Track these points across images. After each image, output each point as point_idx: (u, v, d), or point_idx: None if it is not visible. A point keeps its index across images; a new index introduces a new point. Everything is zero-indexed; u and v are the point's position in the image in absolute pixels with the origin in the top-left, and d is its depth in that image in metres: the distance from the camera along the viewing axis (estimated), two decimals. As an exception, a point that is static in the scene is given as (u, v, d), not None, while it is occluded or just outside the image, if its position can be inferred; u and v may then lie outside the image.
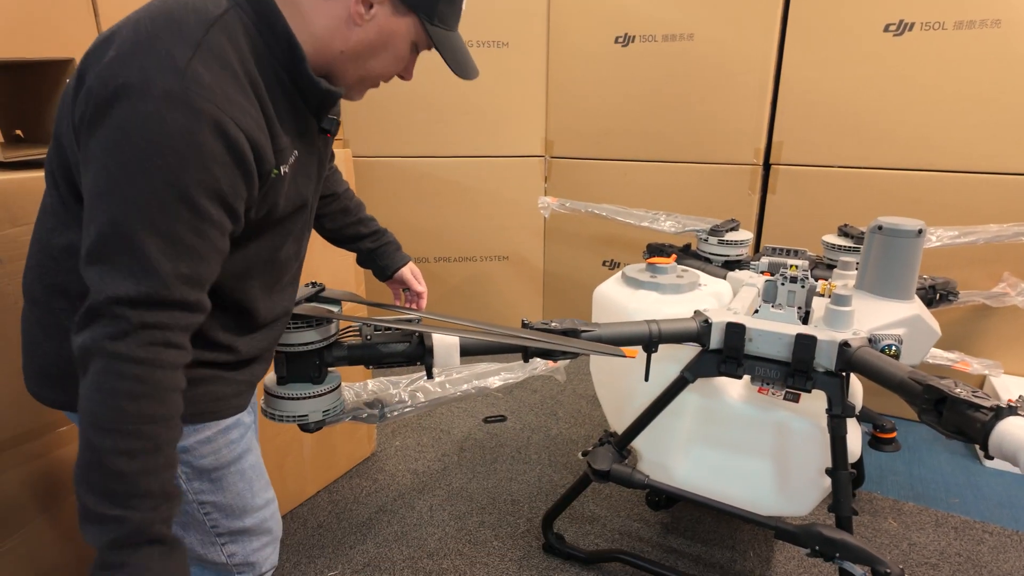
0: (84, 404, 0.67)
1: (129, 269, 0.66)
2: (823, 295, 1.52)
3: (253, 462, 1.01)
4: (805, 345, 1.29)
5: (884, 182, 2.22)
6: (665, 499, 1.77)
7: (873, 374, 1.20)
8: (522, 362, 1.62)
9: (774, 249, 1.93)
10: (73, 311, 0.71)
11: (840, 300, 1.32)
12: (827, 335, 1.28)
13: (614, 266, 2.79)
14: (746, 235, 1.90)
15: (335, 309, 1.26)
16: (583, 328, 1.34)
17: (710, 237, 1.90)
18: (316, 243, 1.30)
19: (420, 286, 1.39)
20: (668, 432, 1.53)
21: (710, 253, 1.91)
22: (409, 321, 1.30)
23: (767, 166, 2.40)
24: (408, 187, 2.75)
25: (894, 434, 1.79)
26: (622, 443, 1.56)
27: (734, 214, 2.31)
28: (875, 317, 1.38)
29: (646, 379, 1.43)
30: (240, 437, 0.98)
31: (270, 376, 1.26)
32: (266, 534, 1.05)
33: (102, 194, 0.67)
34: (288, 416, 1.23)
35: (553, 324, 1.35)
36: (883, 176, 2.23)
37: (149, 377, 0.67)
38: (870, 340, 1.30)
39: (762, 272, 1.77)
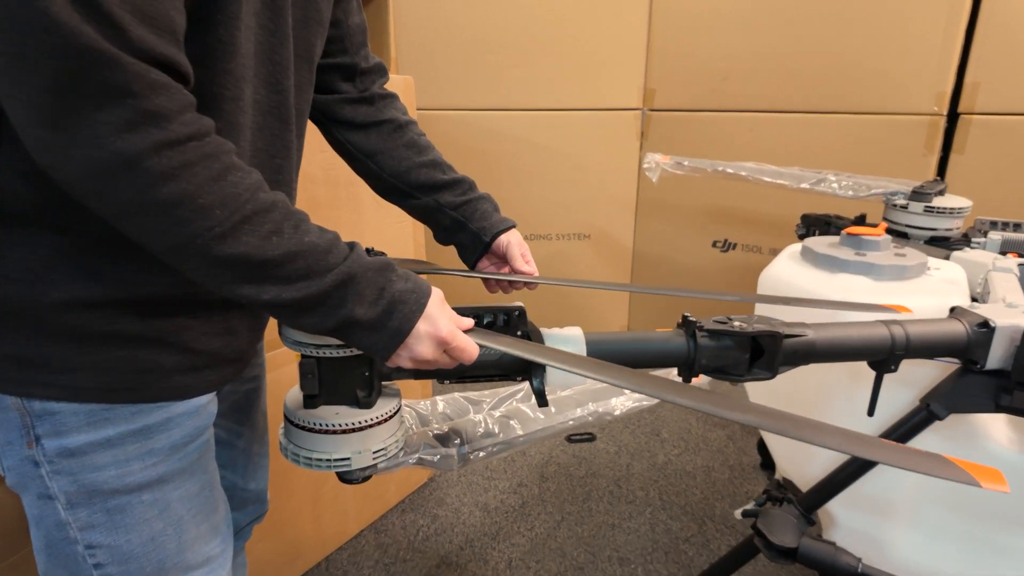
0: (150, 231, 0.48)
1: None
2: None
3: (193, 492, 0.66)
4: None
5: None
6: None
7: None
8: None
9: (994, 223, 1.37)
10: None
11: None
12: None
13: (729, 248, 2.24)
14: (963, 201, 1.35)
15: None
16: (789, 331, 0.83)
17: (911, 203, 1.35)
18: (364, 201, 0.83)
19: (528, 264, 0.90)
20: (884, 488, 1.01)
21: (908, 226, 1.36)
22: (508, 316, 0.82)
23: (953, 117, 1.81)
24: (471, 146, 2.26)
25: None
26: (811, 504, 1.04)
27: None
28: None
29: (870, 413, 0.91)
30: (173, 448, 0.63)
31: (294, 394, 0.80)
32: None
33: None
34: (320, 460, 0.77)
35: (737, 323, 0.84)
36: None
37: (208, 152, 0.47)
38: None
39: (1005, 255, 1.22)
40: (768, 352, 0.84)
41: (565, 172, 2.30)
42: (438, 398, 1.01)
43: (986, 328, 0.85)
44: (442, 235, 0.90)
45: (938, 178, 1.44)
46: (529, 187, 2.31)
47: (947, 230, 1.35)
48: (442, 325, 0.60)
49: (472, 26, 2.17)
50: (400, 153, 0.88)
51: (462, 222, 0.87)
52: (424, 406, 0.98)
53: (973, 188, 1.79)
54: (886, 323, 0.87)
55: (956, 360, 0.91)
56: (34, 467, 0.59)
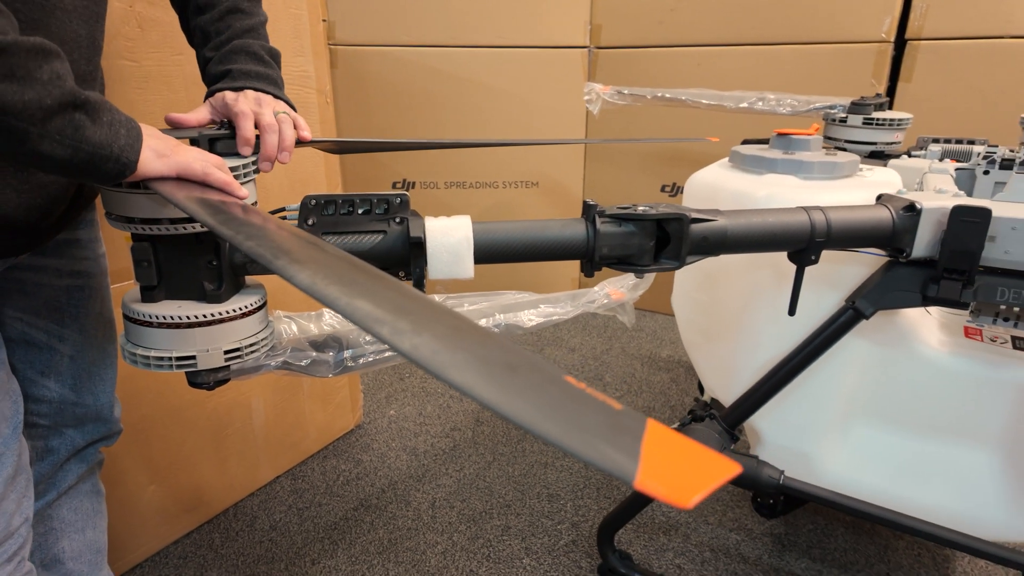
0: None
1: None
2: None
3: None
4: (1123, 242, 0.69)
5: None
6: (782, 503, 1.18)
7: None
8: (571, 293, 1.05)
9: (936, 140, 1.30)
10: None
11: None
12: None
13: (677, 192, 2.17)
14: (904, 114, 1.28)
15: (246, 160, 0.69)
16: (697, 215, 0.75)
17: (850, 116, 1.28)
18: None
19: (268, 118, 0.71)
20: (813, 402, 0.96)
21: (848, 140, 1.29)
22: (388, 205, 0.73)
23: (900, 44, 1.74)
24: (409, 87, 2.14)
25: None
26: (735, 419, 0.98)
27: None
28: None
29: (791, 311, 0.84)
30: None
31: (133, 289, 0.70)
32: None
33: None
34: (161, 359, 0.67)
35: (641, 208, 0.76)
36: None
37: None
38: None
39: (941, 161, 1.16)
40: (675, 239, 0.76)
41: (511, 116, 2.19)
42: (324, 310, 0.92)
43: (912, 211, 0.79)
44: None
45: (879, 94, 1.37)
46: (473, 132, 2.20)
47: (888, 144, 1.29)
48: (170, 141, 0.57)
49: (407, -44, 2.03)
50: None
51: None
52: (309, 315, 0.88)
53: (922, 117, 1.74)
54: (806, 209, 0.79)
55: (882, 252, 0.84)
56: None
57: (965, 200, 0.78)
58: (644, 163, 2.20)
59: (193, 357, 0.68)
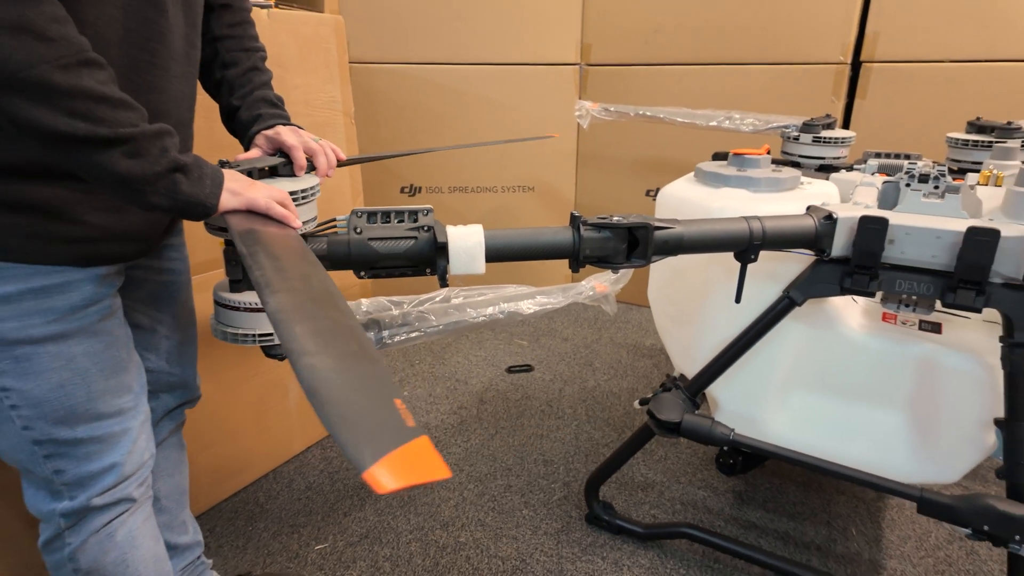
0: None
1: None
2: (984, 185, 1.13)
3: (97, 349, 0.76)
4: (981, 244, 0.91)
5: (1010, 76, 1.78)
6: (741, 462, 1.40)
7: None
8: (562, 286, 1.26)
9: (878, 154, 1.52)
10: None
11: (1033, 180, 0.93)
12: (1015, 230, 0.89)
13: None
14: (847, 132, 1.49)
15: (310, 183, 0.89)
16: (658, 224, 0.96)
17: (802, 135, 1.49)
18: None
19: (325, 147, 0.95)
20: (760, 374, 1.16)
21: (800, 156, 1.50)
22: (417, 215, 0.94)
23: (856, 65, 1.96)
24: (415, 101, 2.35)
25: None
26: (695, 388, 1.19)
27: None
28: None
29: (737, 299, 1.05)
30: (73, 308, 0.73)
31: (222, 281, 0.90)
32: (109, 453, 0.77)
33: None
34: (244, 334, 0.88)
35: (615, 218, 0.97)
36: (1008, 70, 1.78)
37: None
38: (1080, 237, 0.90)
39: (874, 175, 1.37)
40: (642, 242, 0.97)
41: (508, 126, 2.40)
42: (363, 300, 1.12)
43: (830, 220, 0.99)
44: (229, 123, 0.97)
45: (828, 115, 1.58)
46: (472, 140, 2.41)
47: (835, 159, 1.50)
48: (245, 181, 0.73)
49: (415, -19, 2.24)
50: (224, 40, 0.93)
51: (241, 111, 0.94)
52: (352, 304, 1.09)
53: (875, 130, 1.96)
54: (746, 218, 1.00)
55: (809, 252, 1.05)
56: None
57: (870, 211, 0.99)
58: (631, 170, 2.41)
59: (271, 334, 0.89)
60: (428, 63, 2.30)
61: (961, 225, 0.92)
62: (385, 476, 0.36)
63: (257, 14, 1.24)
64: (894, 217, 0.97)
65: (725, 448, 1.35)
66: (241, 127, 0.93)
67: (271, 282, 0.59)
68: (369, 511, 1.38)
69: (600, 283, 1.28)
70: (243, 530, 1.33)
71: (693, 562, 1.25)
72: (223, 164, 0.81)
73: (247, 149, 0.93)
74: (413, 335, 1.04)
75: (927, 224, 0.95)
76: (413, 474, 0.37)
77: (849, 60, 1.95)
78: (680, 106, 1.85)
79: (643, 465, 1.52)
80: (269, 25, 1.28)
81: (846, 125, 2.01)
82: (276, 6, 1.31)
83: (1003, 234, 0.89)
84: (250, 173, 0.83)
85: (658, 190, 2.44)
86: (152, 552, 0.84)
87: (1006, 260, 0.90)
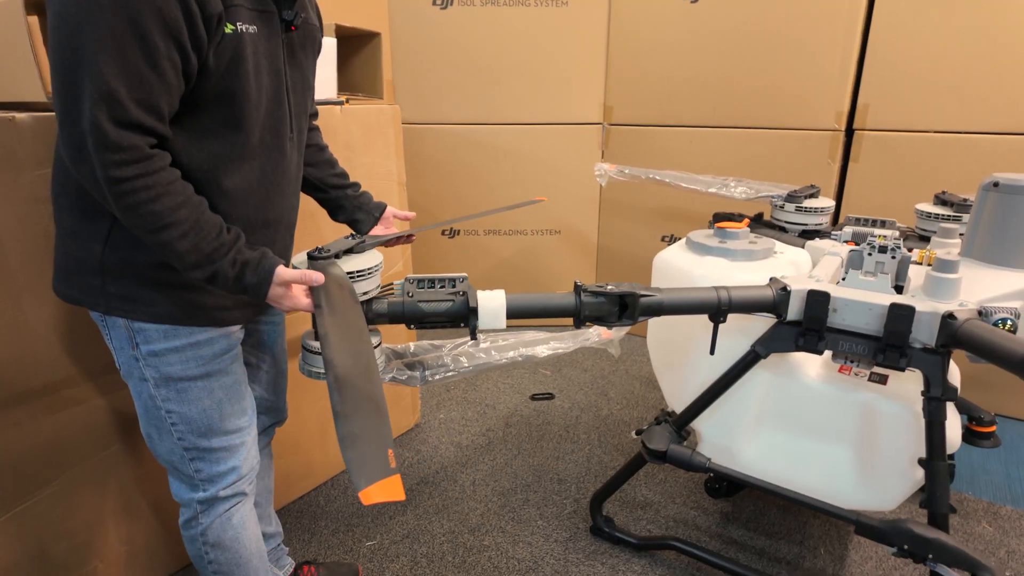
0: (128, 222, 0.83)
1: (90, 94, 0.74)
2: (920, 264, 1.34)
3: (228, 384, 1.04)
4: (901, 317, 1.13)
5: (986, 148, 1.98)
6: (726, 487, 1.62)
7: (984, 350, 1.03)
8: (573, 332, 1.52)
9: (857, 219, 1.74)
10: (71, 209, 0.91)
11: (944, 266, 1.15)
12: (928, 306, 1.12)
13: (674, 241, 2.62)
14: (827, 202, 1.72)
15: (376, 262, 1.19)
16: (643, 292, 1.22)
17: (786, 204, 1.72)
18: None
19: (408, 213, 1.36)
20: (734, 412, 1.40)
21: (786, 222, 1.74)
22: (455, 282, 1.22)
23: (850, 132, 2.18)
24: (458, 156, 2.66)
25: (993, 428, 1.59)
26: (681, 422, 1.43)
27: (810, 184, 2.11)
28: (986, 287, 1.20)
29: (711, 352, 1.30)
30: (215, 355, 1.01)
31: (308, 331, 1.19)
32: (232, 459, 1.06)
33: (58, 27, 0.74)
34: (319, 372, 1.17)
35: (609, 287, 1.23)
36: (985, 142, 1.98)
37: (153, 184, 0.80)
38: (980, 313, 1.12)
39: (845, 242, 1.59)
40: (630, 306, 1.23)
41: (539, 177, 2.69)
42: (411, 343, 1.41)
43: (785, 291, 1.23)
44: (342, 216, 1.29)
45: (813, 185, 1.80)
46: (508, 190, 2.71)
47: (816, 224, 1.72)
48: (287, 277, 0.94)
49: (457, 52, 2.57)
50: (324, 167, 1.27)
51: (361, 207, 1.28)
52: (401, 347, 1.38)
53: (866, 191, 2.17)
54: (716, 288, 1.25)
55: (770, 315, 1.29)
56: (135, 362, 0.98)
57: (816, 285, 1.23)
58: (648, 216, 2.66)
59: (343, 373, 1.18)
60: (469, 123, 2.62)
61: (887, 300, 1.15)
62: (372, 494, 0.70)
63: (331, 110, 1.57)
64: (835, 291, 1.20)
65: (711, 473, 1.58)
66: (343, 209, 1.27)
67: (331, 360, 0.89)
68: (410, 516, 1.65)
69: (605, 330, 1.54)
70: (308, 526, 1.62)
71: (679, 570, 1.48)
72: (318, 250, 1.11)
73: (345, 222, 1.28)
74: (449, 374, 1.32)
75: (861, 298, 1.18)
76: (386, 496, 0.71)
77: (843, 127, 2.17)
78: (691, 164, 2.11)
79: (644, 486, 1.76)
80: (342, 118, 1.60)
81: (841, 186, 2.23)
82: (347, 103, 1.62)
83: (918, 309, 1.12)
84: (337, 255, 1.13)
85: (673, 236, 2.69)
86: (255, 533, 1.13)
87: (922, 330, 1.13)
